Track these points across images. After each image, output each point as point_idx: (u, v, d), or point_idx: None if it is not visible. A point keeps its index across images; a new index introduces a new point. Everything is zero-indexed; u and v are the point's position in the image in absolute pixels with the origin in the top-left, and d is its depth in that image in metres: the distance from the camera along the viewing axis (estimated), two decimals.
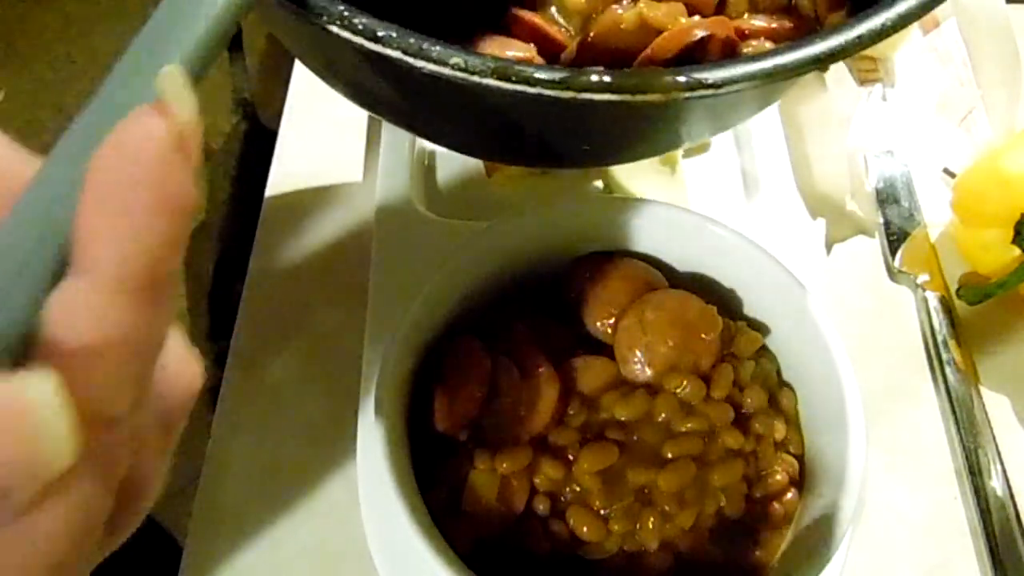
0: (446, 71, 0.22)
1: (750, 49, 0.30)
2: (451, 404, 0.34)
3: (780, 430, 0.35)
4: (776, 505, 0.34)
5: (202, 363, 0.20)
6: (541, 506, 0.33)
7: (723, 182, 0.52)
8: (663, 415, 0.34)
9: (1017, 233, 0.44)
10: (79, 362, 0.16)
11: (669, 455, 0.33)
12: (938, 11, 0.60)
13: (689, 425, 0.34)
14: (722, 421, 0.34)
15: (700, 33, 0.28)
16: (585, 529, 0.33)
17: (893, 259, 0.51)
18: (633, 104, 0.23)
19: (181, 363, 0.20)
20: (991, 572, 0.41)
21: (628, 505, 0.33)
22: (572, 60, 0.29)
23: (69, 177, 0.16)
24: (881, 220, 0.52)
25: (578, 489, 0.33)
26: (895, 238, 0.51)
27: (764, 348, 0.37)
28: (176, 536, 0.54)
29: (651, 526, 0.32)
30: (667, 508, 0.33)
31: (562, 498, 0.33)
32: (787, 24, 0.31)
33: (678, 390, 0.34)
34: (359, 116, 0.57)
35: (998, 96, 0.55)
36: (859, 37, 0.24)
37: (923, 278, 0.50)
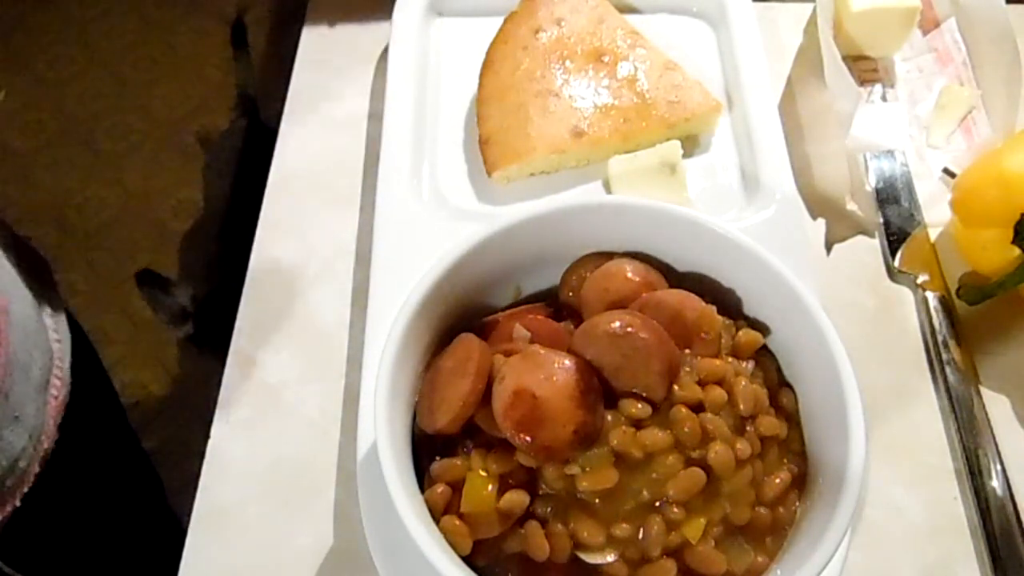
0: None
1: None
2: (449, 403, 0.34)
3: (782, 430, 0.35)
4: (779, 507, 0.34)
5: None
6: (541, 508, 0.33)
7: (723, 182, 0.52)
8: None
9: (1017, 233, 0.44)
10: None
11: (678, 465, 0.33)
12: (938, 11, 0.60)
13: (699, 436, 0.33)
14: (732, 428, 0.34)
15: None
16: (585, 534, 0.32)
17: (893, 259, 0.51)
18: None
19: None
20: (991, 572, 0.41)
21: (632, 510, 0.32)
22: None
23: None
24: (881, 220, 0.52)
25: (579, 496, 0.33)
26: (895, 238, 0.51)
27: (764, 348, 0.37)
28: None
29: (655, 533, 0.32)
30: (673, 515, 0.32)
31: (563, 501, 0.33)
32: None
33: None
34: (359, 116, 0.57)
35: (998, 96, 0.55)
36: None
37: (923, 278, 0.50)
